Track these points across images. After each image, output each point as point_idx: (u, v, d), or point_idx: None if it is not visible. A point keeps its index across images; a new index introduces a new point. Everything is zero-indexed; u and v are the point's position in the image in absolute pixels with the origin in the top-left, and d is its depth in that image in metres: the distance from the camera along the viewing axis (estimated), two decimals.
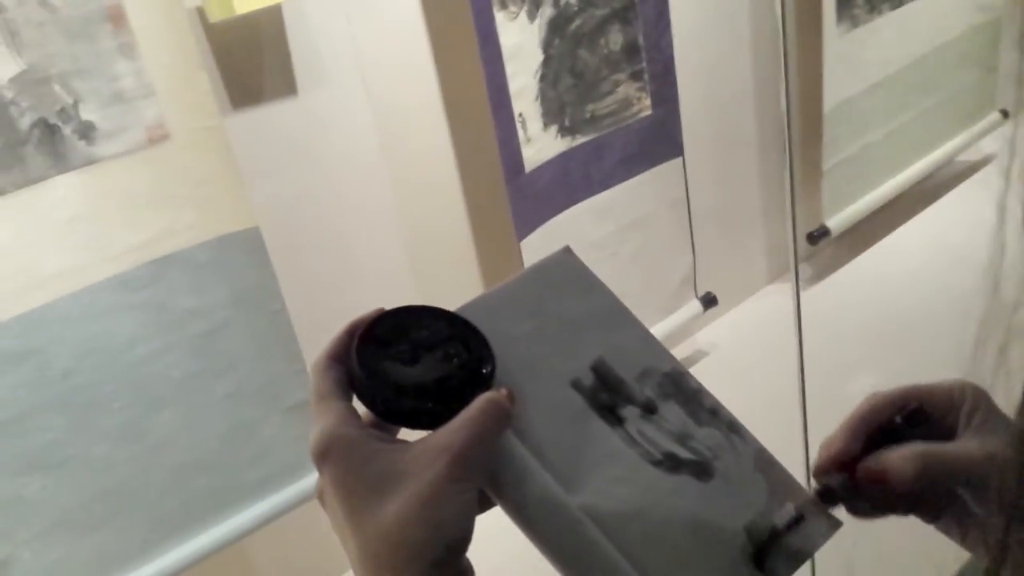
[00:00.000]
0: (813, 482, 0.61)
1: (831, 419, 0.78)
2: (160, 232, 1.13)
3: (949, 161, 2.35)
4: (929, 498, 0.60)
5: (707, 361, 1.93)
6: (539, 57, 1.42)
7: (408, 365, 0.56)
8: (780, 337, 1.60)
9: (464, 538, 0.52)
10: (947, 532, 0.61)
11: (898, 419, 0.60)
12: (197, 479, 1.21)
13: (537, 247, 1.46)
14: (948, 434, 0.60)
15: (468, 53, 1.31)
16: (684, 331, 1.93)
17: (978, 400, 0.60)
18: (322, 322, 1.34)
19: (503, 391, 0.55)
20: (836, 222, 2.08)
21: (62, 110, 1.05)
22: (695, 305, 1.89)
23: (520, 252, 1.43)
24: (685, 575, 0.56)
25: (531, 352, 0.62)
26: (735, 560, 0.57)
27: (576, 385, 0.62)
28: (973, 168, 2.45)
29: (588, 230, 1.58)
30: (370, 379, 0.55)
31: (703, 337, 2.02)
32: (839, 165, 2.05)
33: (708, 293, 1.91)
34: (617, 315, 0.67)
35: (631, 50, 1.56)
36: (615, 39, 1.53)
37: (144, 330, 1.14)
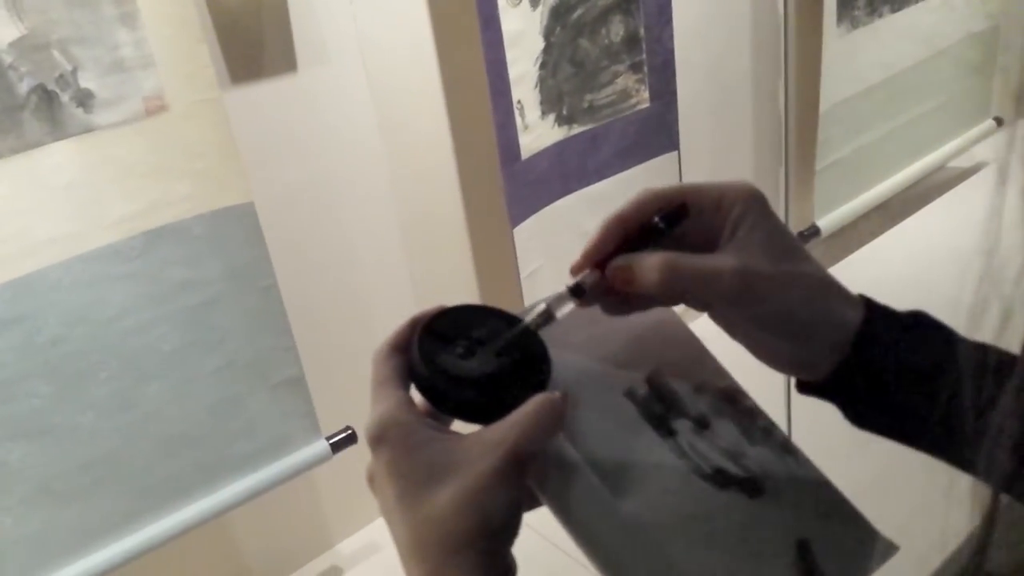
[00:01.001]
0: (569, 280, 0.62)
1: (815, 421, 0.78)
2: (155, 203, 1.13)
3: (941, 166, 2.36)
4: (677, 301, 0.60)
5: None
6: (540, 44, 1.42)
7: (467, 359, 0.57)
8: None
9: (511, 531, 0.53)
10: (715, 321, 0.62)
11: (656, 219, 0.59)
12: (183, 452, 1.21)
13: (531, 234, 1.46)
14: (712, 238, 0.59)
15: (470, 37, 1.31)
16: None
17: (749, 205, 0.59)
18: (313, 300, 1.36)
19: (558, 393, 0.56)
20: (827, 222, 2.09)
21: (61, 77, 1.05)
22: None
23: (513, 238, 1.43)
24: None
25: (587, 360, 0.63)
26: None
27: (630, 395, 0.62)
28: (965, 174, 2.46)
29: (582, 220, 1.58)
30: (429, 369, 0.56)
31: (693, 331, 2.02)
32: (832, 166, 2.05)
33: None
34: (674, 329, 0.68)
35: (632, 42, 1.56)
36: (616, 30, 1.53)
37: (135, 301, 1.14)
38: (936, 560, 1.10)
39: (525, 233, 1.45)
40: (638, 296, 0.61)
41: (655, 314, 0.66)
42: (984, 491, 0.43)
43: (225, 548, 1.41)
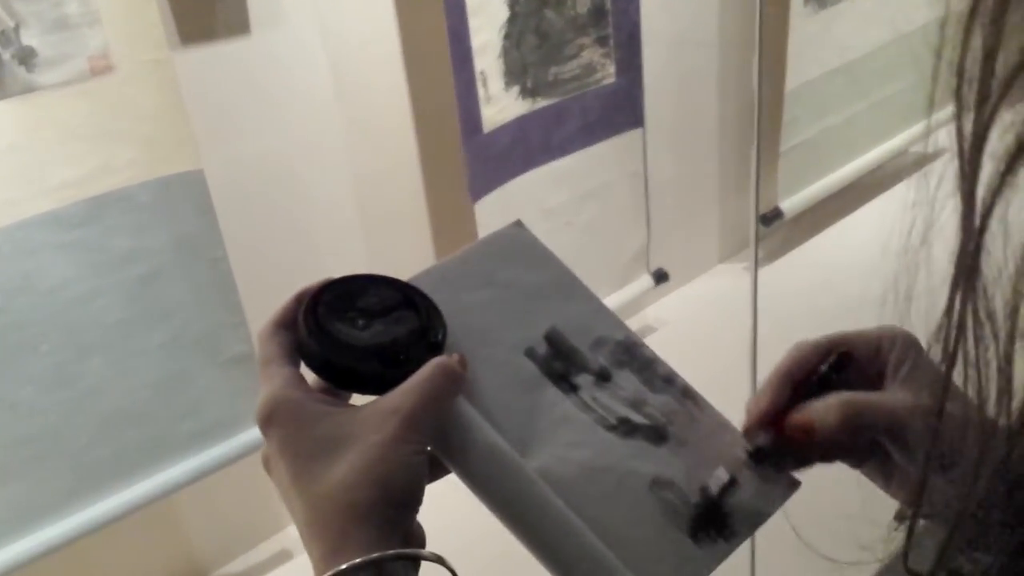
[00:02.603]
0: (746, 444, 0.61)
1: None
2: (98, 168, 1.08)
3: (904, 151, 2.36)
4: (854, 447, 0.59)
5: (656, 336, 1.92)
6: (505, 14, 1.39)
7: (356, 330, 0.56)
8: (729, 316, 1.59)
9: (413, 500, 0.52)
10: (871, 478, 0.61)
11: (823, 368, 0.60)
12: (127, 429, 1.16)
13: (492, 210, 1.43)
14: (876, 382, 0.59)
15: (431, 3, 1.27)
16: (634, 306, 1.92)
17: (907, 349, 0.58)
18: (264, 273, 1.31)
19: (455, 356, 0.56)
20: (790, 204, 2.09)
21: (2, 33, 1.00)
22: (646, 280, 1.88)
23: (474, 213, 1.40)
24: (639, 533, 0.57)
25: (483, 321, 0.62)
26: (689, 520, 0.58)
27: (529, 354, 0.62)
28: (926, 159, 2.47)
29: (544, 196, 1.56)
30: (319, 343, 0.55)
31: (652, 312, 2.01)
32: (796, 148, 2.05)
33: (660, 269, 1.89)
34: (569, 286, 0.68)
35: (598, 14, 1.53)
36: (582, 1, 1.50)
37: (78, 271, 1.09)
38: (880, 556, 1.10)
39: (487, 208, 1.42)
40: (812, 449, 0.59)
41: (551, 271, 0.67)
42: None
43: (172, 530, 1.38)
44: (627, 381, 0.64)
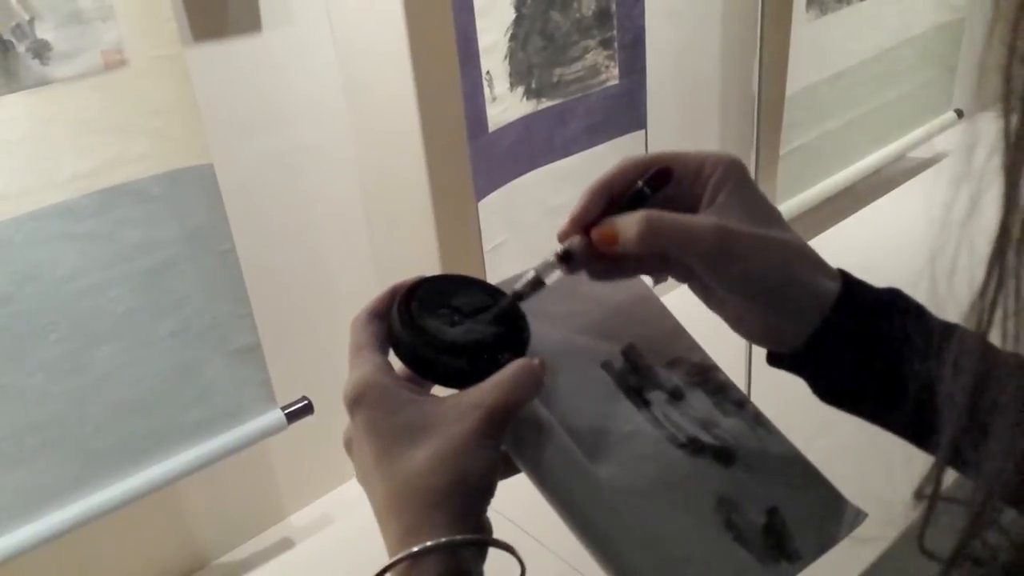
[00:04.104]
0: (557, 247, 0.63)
1: (773, 397, 0.78)
2: (111, 161, 1.10)
3: (902, 156, 2.38)
4: (663, 264, 0.62)
5: None
6: (511, 15, 1.40)
7: (446, 326, 0.58)
8: None
9: (487, 493, 0.54)
10: (697, 294, 0.64)
11: (640, 183, 0.61)
12: (134, 417, 1.18)
13: (495, 208, 1.44)
14: (692, 205, 0.61)
15: (439, 3, 1.28)
16: None
17: (730, 173, 0.60)
18: (271, 267, 1.34)
19: (537, 360, 0.57)
20: (788, 207, 2.10)
21: (17, 26, 1.01)
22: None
23: (477, 212, 1.41)
24: (702, 550, 0.57)
25: (564, 331, 0.64)
26: (753, 541, 0.59)
27: (606, 367, 0.64)
28: (924, 165, 2.49)
29: (547, 196, 1.57)
30: (410, 334, 0.57)
31: None
32: (796, 151, 2.06)
33: None
34: (649, 305, 0.70)
35: (603, 16, 1.55)
36: (588, 4, 1.52)
37: (88, 261, 1.11)
38: (884, 541, 1.11)
39: (490, 207, 1.44)
40: (623, 263, 0.61)
41: (633, 291, 0.68)
42: (934, 470, 0.44)
43: (175, 518, 1.39)
44: (699, 402, 0.65)
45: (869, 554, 1.15)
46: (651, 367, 0.65)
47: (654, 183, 0.60)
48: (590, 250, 0.61)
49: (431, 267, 1.54)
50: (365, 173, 1.44)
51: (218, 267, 1.21)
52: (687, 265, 0.60)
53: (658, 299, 0.70)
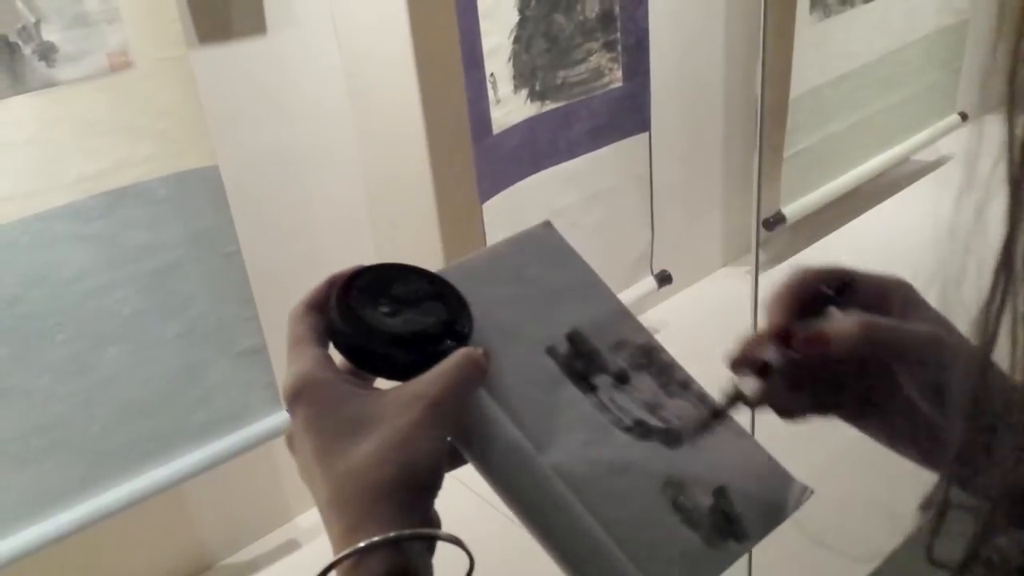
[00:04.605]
0: (732, 375, 0.59)
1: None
2: (116, 163, 1.10)
3: (906, 159, 2.38)
4: (862, 382, 0.57)
5: (658, 338, 1.93)
6: (515, 17, 1.41)
7: (388, 317, 0.57)
8: (731, 319, 1.61)
9: (433, 484, 0.52)
10: (870, 432, 0.60)
11: (825, 288, 0.58)
12: (140, 419, 1.18)
13: (499, 211, 1.45)
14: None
15: (443, 5, 1.29)
16: (637, 307, 1.94)
17: (913, 297, 0.57)
18: (276, 268, 1.34)
19: (479, 349, 0.56)
20: (792, 210, 2.10)
21: (23, 29, 1.02)
22: (650, 282, 1.89)
23: (482, 214, 1.41)
24: (650, 533, 0.57)
25: (508, 317, 0.63)
26: (700, 522, 0.58)
27: (551, 352, 0.63)
28: (928, 168, 2.49)
29: (551, 198, 1.58)
30: (349, 326, 0.56)
31: (655, 315, 2.03)
32: (799, 153, 2.06)
33: (663, 271, 1.91)
34: (594, 288, 0.69)
35: (607, 19, 1.55)
36: (591, 6, 1.52)
37: (94, 263, 1.11)
38: (886, 549, 1.11)
39: (494, 209, 1.44)
40: (822, 369, 0.57)
41: (577, 273, 0.69)
42: (934, 482, 0.43)
43: (181, 519, 1.39)
44: (645, 384, 0.64)
45: (873, 562, 1.15)
46: (596, 351, 0.64)
47: (840, 288, 0.58)
48: (788, 360, 0.57)
49: (435, 269, 1.53)
50: (369, 175, 1.45)
51: (224, 269, 1.21)
52: (881, 387, 0.57)
53: (602, 281, 0.70)
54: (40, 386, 1.10)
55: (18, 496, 1.11)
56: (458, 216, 1.52)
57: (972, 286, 0.38)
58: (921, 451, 0.58)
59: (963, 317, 0.40)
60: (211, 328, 1.22)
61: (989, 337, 0.38)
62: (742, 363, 0.59)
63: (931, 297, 0.42)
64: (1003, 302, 0.37)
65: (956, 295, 0.39)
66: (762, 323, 0.59)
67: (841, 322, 0.56)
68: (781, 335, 0.57)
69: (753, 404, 0.59)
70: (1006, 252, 0.36)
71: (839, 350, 0.55)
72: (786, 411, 0.60)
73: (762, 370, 0.58)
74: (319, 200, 1.40)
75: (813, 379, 0.58)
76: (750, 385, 0.58)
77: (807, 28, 1.93)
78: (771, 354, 0.57)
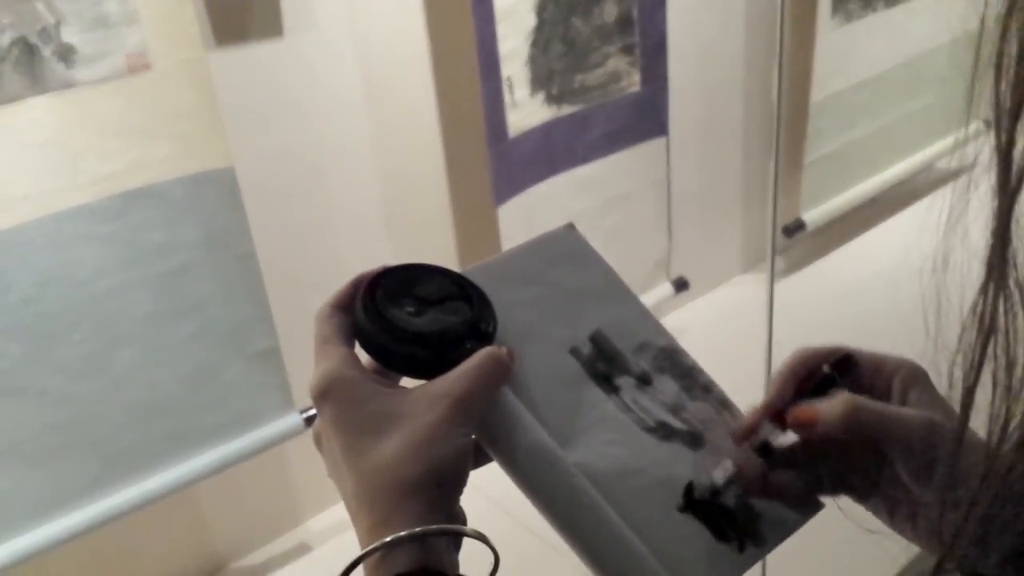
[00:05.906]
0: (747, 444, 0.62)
1: None
2: (133, 164, 1.11)
3: (930, 166, 2.36)
4: (859, 463, 0.59)
5: None
6: (532, 21, 1.40)
7: (414, 316, 0.58)
8: (749, 327, 1.60)
9: (459, 481, 0.53)
10: (875, 511, 0.61)
11: (826, 368, 0.60)
12: (153, 419, 1.19)
13: (515, 214, 1.44)
14: (879, 399, 0.59)
15: (460, 9, 1.29)
16: (654, 313, 1.92)
17: (916, 376, 0.59)
18: (291, 270, 1.34)
19: (503, 348, 0.57)
20: (812, 216, 2.09)
21: (43, 30, 1.02)
22: (666, 288, 1.89)
23: (497, 217, 1.41)
24: (671, 532, 0.58)
25: (531, 318, 0.64)
26: (720, 525, 0.59)
27: (574, 353, 0.64)
28: (952, 175, 2.45)
29: (567, 202, 1.57)
30: (375, 326, 0.57)
31: (672, 321, 2.02)
32: (820, 160, 2.05)
33: (680, 277, 1.90)
34: (616, 290, 0.70)
35: (624, 23, 1.55)
36: (609, 10, 1.51)
37: (109, 263, 1.12)
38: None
39: (509, 213, 1.44)
40: (816, 446, 0.60)
41: (599, 275, 0.69)
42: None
43: (193, 520, 1.40)
44: (667, 386, 0.65)
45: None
46: (619, 352, 0.65)
47: (840, 369, 0.60)
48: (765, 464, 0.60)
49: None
50: (385, 178, 1.45)
51: (238, 270, 1.22)
52: (877, 472, 0.58)
53: (624, 283, 0.70)
54: (54, 386, 1.11)
55: (31, 495, 1.12)
56: (473, 219, 1.52)
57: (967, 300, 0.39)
58: (919, 534, 0.59)
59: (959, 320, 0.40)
60: (225, 329, 1.22)
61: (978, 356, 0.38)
62: (745, 439, 0.61)
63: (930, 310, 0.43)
64: (993, 315, 0.37)
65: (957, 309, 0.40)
66: (769, 397, 0.61)
67: (829, 402, 0.57)
68: (777, 414, 0.60)
69: (754, 489, 0.61)
70: (991, 261, 0.36)
71: (826, 430, 0.57)
72: (790, 491, 0.61)
73: (763, 449, 0.60)
74: (334, 202, 1.40)
75: (810, 458, 0.60)
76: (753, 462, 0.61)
77: (828, 33, 1.92)
78: (769, 432, 0.60)
